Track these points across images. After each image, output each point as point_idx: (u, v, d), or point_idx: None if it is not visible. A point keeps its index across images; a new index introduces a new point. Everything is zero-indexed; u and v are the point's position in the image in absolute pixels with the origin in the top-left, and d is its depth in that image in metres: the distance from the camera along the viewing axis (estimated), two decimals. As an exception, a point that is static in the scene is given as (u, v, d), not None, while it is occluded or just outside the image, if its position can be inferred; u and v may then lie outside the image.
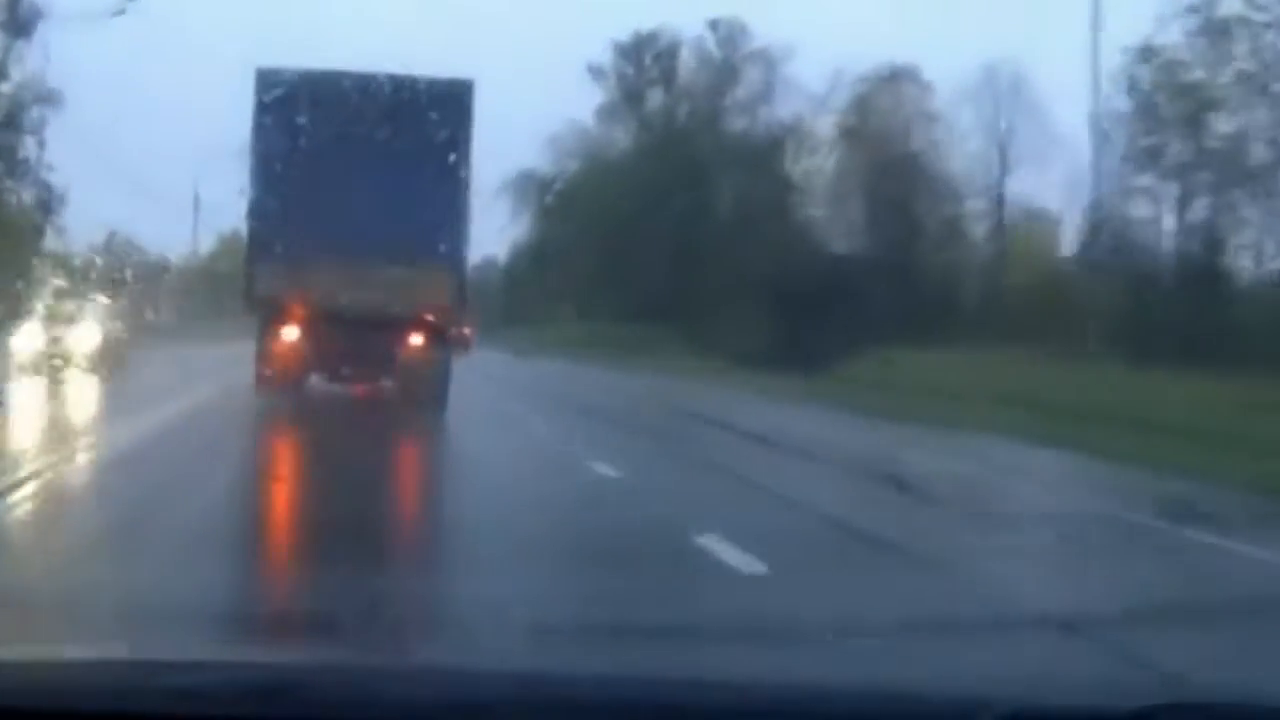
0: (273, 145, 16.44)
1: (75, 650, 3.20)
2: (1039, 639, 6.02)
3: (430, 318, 16.46)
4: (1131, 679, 4.39)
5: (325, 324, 16.00)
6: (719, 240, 42.06)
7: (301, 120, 16.33)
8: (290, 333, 16.17)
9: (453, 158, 16.63)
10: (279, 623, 5.52)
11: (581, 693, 2.65)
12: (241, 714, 2.45)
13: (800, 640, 5.51)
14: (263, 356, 16.34)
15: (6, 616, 4.95)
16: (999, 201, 43.01)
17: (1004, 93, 42.61)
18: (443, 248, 16.45)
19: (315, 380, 17.06)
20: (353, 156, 16.07)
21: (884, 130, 43.98)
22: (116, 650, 3.21)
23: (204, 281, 50.47)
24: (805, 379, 26.96)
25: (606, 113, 53.40)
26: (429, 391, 16.20)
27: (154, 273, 48.64)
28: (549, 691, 2.64)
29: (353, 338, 16.11)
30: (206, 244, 55.27)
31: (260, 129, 16.55)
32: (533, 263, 52.49)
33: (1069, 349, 28.62)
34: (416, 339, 16.34)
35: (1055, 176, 46.15)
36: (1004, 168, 42.94)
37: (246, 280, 16.93)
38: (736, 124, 49.57)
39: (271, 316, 16.54)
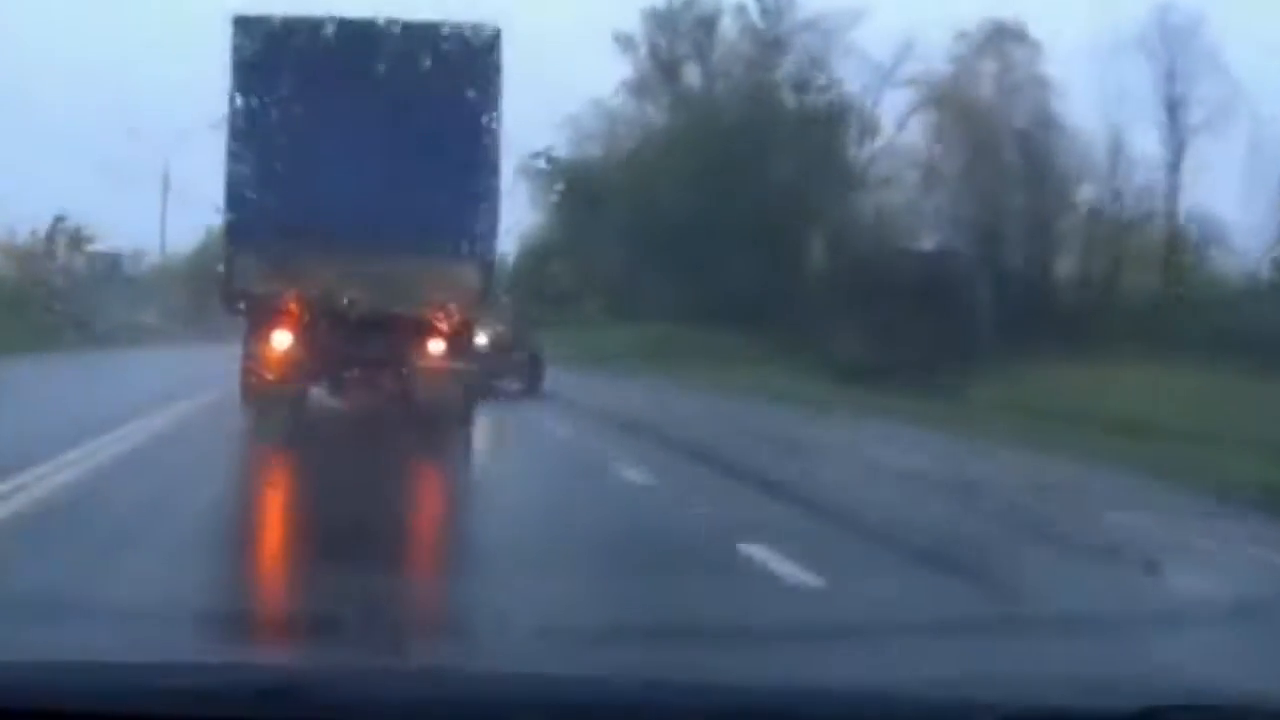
0: (255, 109, 14.27)
1: (76, 651, 3.30)
2: (1039, 639, 6.12)
3: (452, 319, 14.44)
4: (1132, 679, 3.99)
5: (324, 327, 14.12)
6: (787, 231, 38.40)
7: (290, 78, 14.22)
8: (282, 338, 14.16)
9: (478, 122, 14.46)
10: (282, 624, 5.58)
11: (582, 693, 2.76)
12: (245, 715, 2.52)
13: (801, 641, 5.65)
14: (249, 367, 14.40)
15: (7, 617, 5.09)
16: (1168, 191, 36.81)
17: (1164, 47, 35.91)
18: (466, 233, 14.27)
19: (315, 394, 15.28)
20: (354, 121, 13.97)
21: (981, 102, 39.43)
22: (118, 651, 3.40)
23: (190, 278, 47.58)
24: (940, 401, 23.31)
25: (635, 88, 50.49)
26: (452, 410, 14.42)
27: (105, 266, 45.69)
28: (550, 692, 2.75)
29: (358, 344, 14.28)
30: (192, 237, 52.29)
31: (239, 90, 14.35)
32: (546, 257, 49.32)
33: (1242, 367, 22.99)
34: (436, 345, 14.37)
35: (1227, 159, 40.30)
36: (1177, 147, 36.34)
37: (225, 273, 14.67)
38: (788, 100, 45.76)
39: (259, 319, 14.45)
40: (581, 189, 47.35)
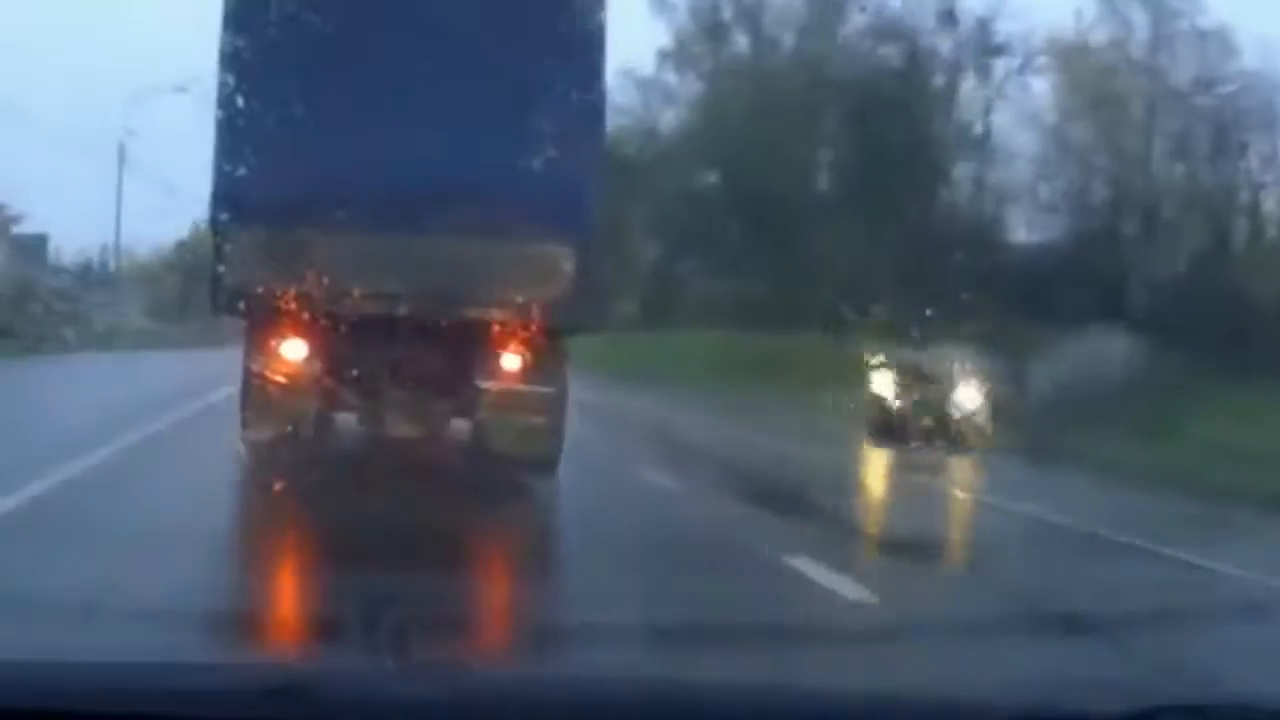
0: (254, 46, 10.76)
1: (78, 651, 3.61)
2: (1040, 640, 6.38)
3: (535, 323, 10.99)
4: (1131, 679, 4.49)
5: (353, 337, 10.84)
6: (878, 220, 34.74)
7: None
8: (295, 350, 10.97)
9: (572, 29, 10.96)
10: (285, 624, 5.81)
11: (582, 693, 2.89)
12: (251, 715, 2.61)
13: (802, 641, 5.88)
14: (250, 390, 11.12)
15: (7, 616, 5.25)
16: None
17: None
18: (555, 201, 10.64)
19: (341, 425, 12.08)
20: (393, 53, 10.69)
21: (1121, 62, 35.04)
22: (121, 651, 3.71)
23: (178, 275, 44.77)
24: (1143, 443, 17.65)
25: (674, 58, 47.30)
26: (531, 450, 11.13)
27: (33, 249, 42.43)
28: (551, 692, 2.89)
29: (400, 359, 11.18)
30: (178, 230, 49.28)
31: (233, 21, 10.94)
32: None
33: None
34: (510, 360, 11.09)
35: None
36: None
37: (216, 267, 11.27)
38: (855, 65, 42.12)
39: (264, 326, 11.16)
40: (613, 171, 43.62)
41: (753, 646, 5.65)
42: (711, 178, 42.95)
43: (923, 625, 6.50)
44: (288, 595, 7.62)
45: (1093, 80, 34.61)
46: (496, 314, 11.02)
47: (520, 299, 10.90)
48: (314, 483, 10.10)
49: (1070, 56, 35.33)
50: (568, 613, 6.55)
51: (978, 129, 38.48)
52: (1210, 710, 2.88)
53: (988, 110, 37.95)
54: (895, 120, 37.16)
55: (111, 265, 46.43)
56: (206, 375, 20.98)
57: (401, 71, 10.60)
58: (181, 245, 55.51)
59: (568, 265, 10.98)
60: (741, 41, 46.87)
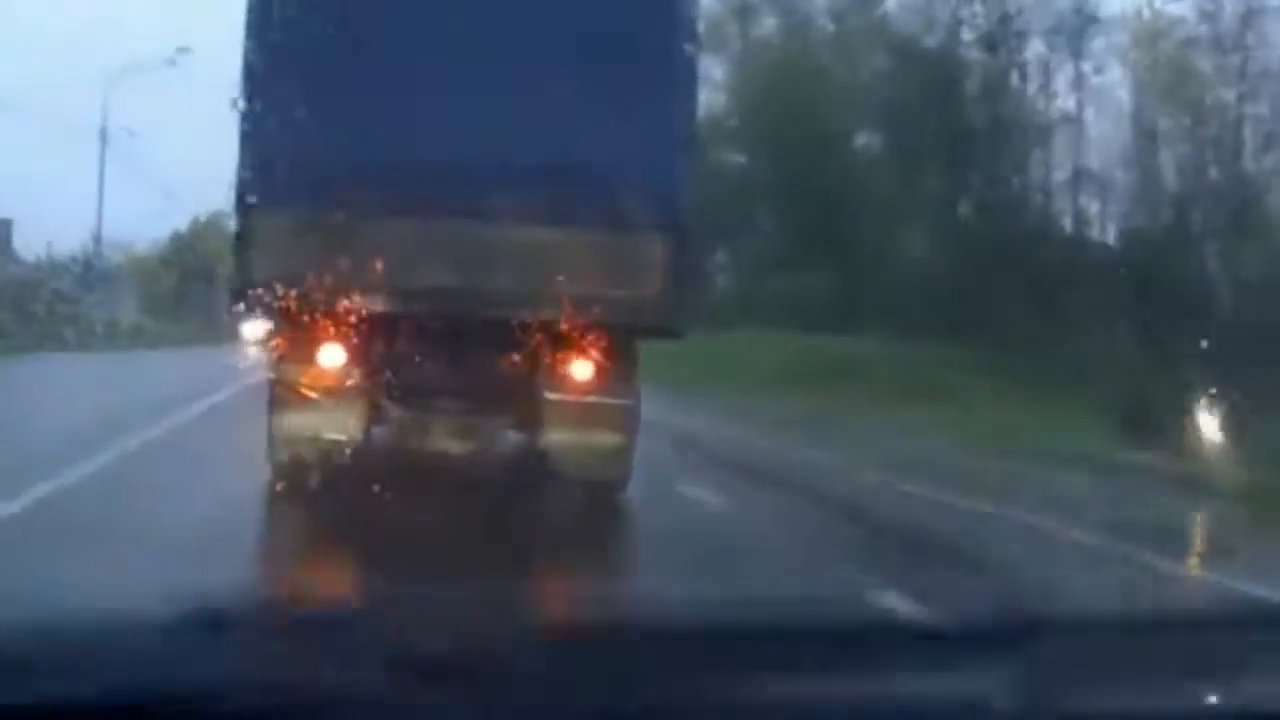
0: (287, 6, 9.26)
1: (79, 651, 3.26)
2: (1039, 639, 5.15)
3: (614, 326, 9.73)
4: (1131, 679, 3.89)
5: (399, 340, 9.82)
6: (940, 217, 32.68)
7: None
8: (332, 356, 9.73)
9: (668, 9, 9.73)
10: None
11: (580, 694, 2.83)
12: (247, 714, 2.58)
13: (800, 641, 4.76)
14: (277, 405, 9.88)
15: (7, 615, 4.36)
16: None
17: None
18: (641, 188, 9.33)
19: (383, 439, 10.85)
20: (456, 10, 9.37)
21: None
22: (121, 649, 3.29)
23: (175, 271, 43.71)
24: None
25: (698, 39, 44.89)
26: (602, 466, 10.06)
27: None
28: (551, 692, 2.81)
29: (453, 364, 10.06)
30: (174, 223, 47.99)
31: None
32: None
33: None
34: (582, 368, 9.89)
35: None
36: None
37: (239, 259, 9.84)
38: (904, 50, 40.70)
39: (295, 328, 9.71)
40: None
41: (752, 645, 5.17)
42: (748, 165, 41.76)
43: (924, 624, 6.09)
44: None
45: (1174, 61, 33.07)
46: (567, 314, 9.63)
47: (597, 297, 9.56)
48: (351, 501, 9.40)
49: (1149, 35, 33.76)
50: (570, 612, 6.21)
51: (1056, 110, 36.56)
52: (1210, 707, 2.88)
53: (1077, 89, 35.81)
54: (963, 102, 35.54)
55: (93, 254, 45.07)
56: (206, 375, 21.70)
57: (461, 30, 9.36)
58: (178, 238, 54.41)
59: (656, 258, 9.66)
60: (769, 24, 46.29)
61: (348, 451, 9.89)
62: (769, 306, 34.72)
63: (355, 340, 9.81)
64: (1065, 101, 36.56)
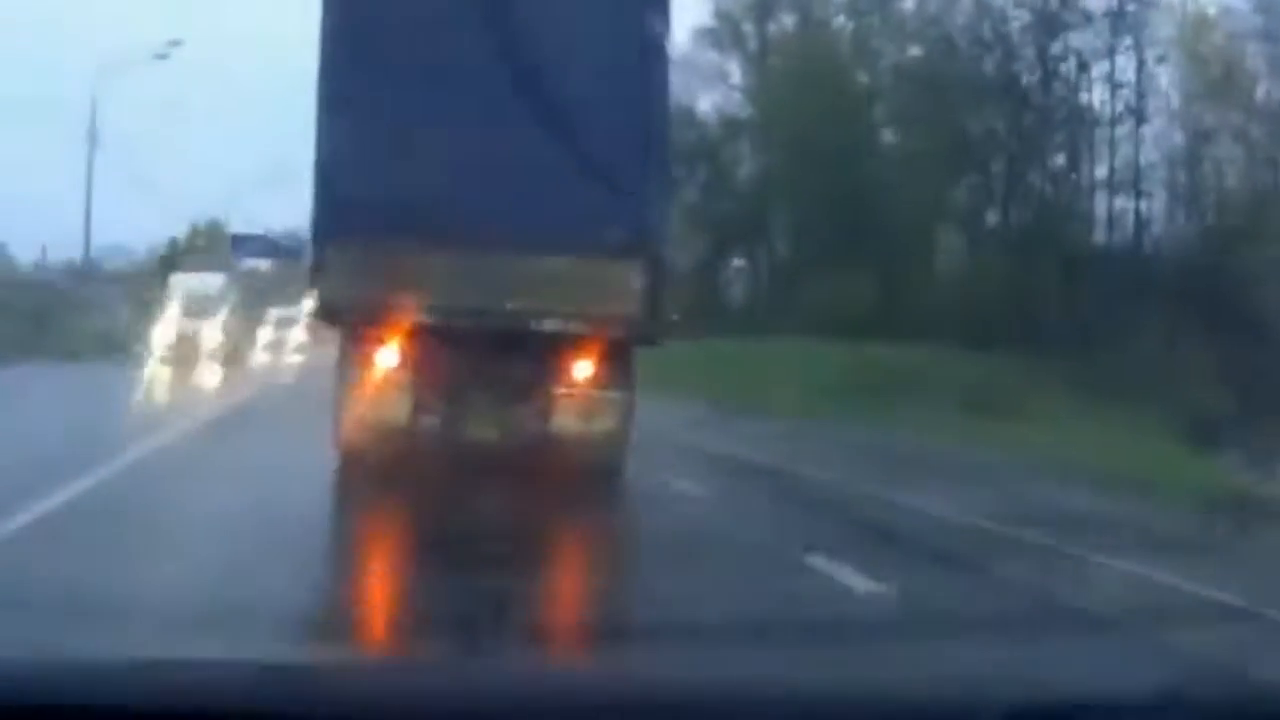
0: (353, 68, 12.41)
1: (79, 650, 3.97)
2: (1039, 639, 6.50)
3: (605, 336, 12.63)
4: (1133, 677, 4.54)
5: (443, 346, 12.49)
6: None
7: (399, 25, 12.38)
8: (387, 358, 12.51)
9: (642, 77, 12.73)
10: (287, 621, 6.05)
11: (580, 693, 2.97)
12: (244, 711, 2.71)
13: (802, 640, 6.06)
14: (345, 399, 12.59)
15: (7, 616, 5.58)
16: None
17: None
18: (625, 222, 12.26)
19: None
20: (483, 81, 12.21)
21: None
22: (120, 649, 4.22)
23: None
24: None
25: (714, 36, 45.67)
26: (601, 448, 12.68)
27: None
28: (549, 691, 2.97)
29: (484, 367, 12.60)
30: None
31: (332, 41, 12.55)
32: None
33: None
34: (583, 368, 12.66)
35: None
36: None
37: (314, 280, 12.87)
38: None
39: (359, 336, 12.73)
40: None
41: (753, 645, 5.91)
42: (768, 164, 41.63)
43: (924, 623, 6.79)
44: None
45: (1219, 56, 32.85)
46: (570, 326, 12.42)
47: (591, 312, 12.35)
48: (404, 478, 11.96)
49: (1194, 29, 33.54)
50: (571, 611, 6.89)
51: (1096, 107, 36.12)
52: (1208, 709, 2.92)
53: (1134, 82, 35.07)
54: (1001, 102, 35.35)
55: (84, 259, 44.43)
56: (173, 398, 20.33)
57: (485, 108, 12.03)
58: (174, 244, 54.13)
59: (635, 283, 12.32)
60: (787, 20, 45.86)
61: (399, 436, 12.33)
62: (805, 312, 34.33)
63: (405, 346, 12.39)
64: (1103, 98, 36.10)
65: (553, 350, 12.52)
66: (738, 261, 45.80)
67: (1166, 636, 6.88)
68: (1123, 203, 34.31)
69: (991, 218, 35.94)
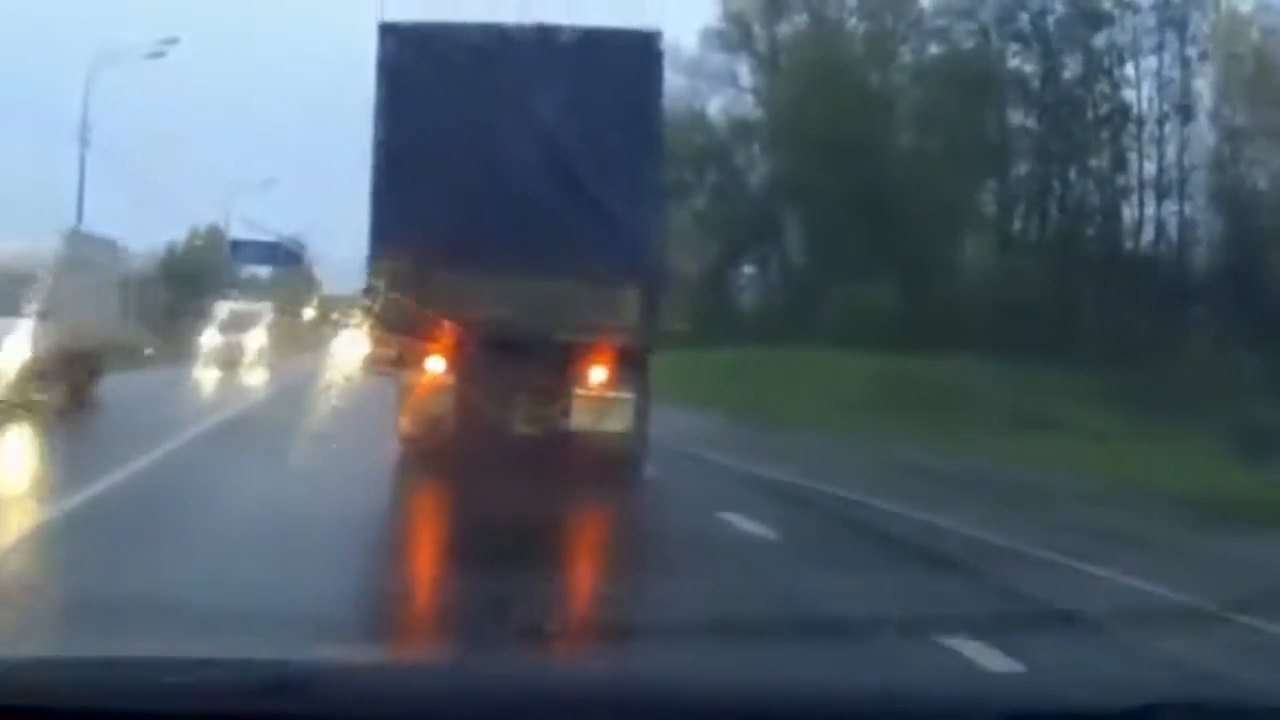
0: (403, 122, 14.96)
1: (78, 649, 4.05)
2: (1039, 639, 6.51)
3: (613, 345, 14.90)
4: (1130, 678, 4.55)
5: (479, 355, 14.80)
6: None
7: (440, 87, 14.96)
8: (436, 364, 15.04)
9: (638, 133, 15.28)
10: (285, 621, 5.97)
11: (579, 693, 3.03)
12: (246, 711, 2.78)
13: (801, 640, 6.08)
14: (403, 402, 15.27)
15: (7, 616, 5.68)
16: None
17: None
18: (625, 253, 14.75)
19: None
20: (508, 134, 14.73)
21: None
22: (121, 648, 3.89)
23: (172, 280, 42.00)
24: None
25: (723, 37, 44.25)
26: (618, 443, 14.83)
27: None
28: (549, 691, 3.04)
29: (515, 373, 14.78)
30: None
31: (386, 100, 14.99)
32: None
33: None
34: (597, 373, 14.92)
35: None
36: None
37: (372, 299, 15.32)
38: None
39: (411, 346, 15.25)
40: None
41: (750, 643, 5.91)
42: (779, 168, 40.42)
43: (923, 622, 6.76)
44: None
45: (1254, 54, 31.58)
46: (584, 337, 14.72)
47: (599, 326, 14.63)
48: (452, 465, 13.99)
49: (1229, 26, 32.26)
50: (571, 610, 6.88)
51: (1125, 107, 34.83)
52: (1206, 706, 2.95)
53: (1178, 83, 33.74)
54: (1038, 99, 34.04)
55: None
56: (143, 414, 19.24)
57: (510, 161, 14.41)
58: (172, 248, 52.87)
59: (635, 301, 14.74)
60: (798, 20, 44.57)
61: (447, 428, 14.64)
62: (823, 320, 33.43)
63: (451, 354, 14.75)
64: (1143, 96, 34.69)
65: (571, 358, 14.70)
66: (748, 268, 44.50)
67: (1161, 641, 6.88)
68: (1156, 205, 33.13)
69: (1021, 222, 34.50)
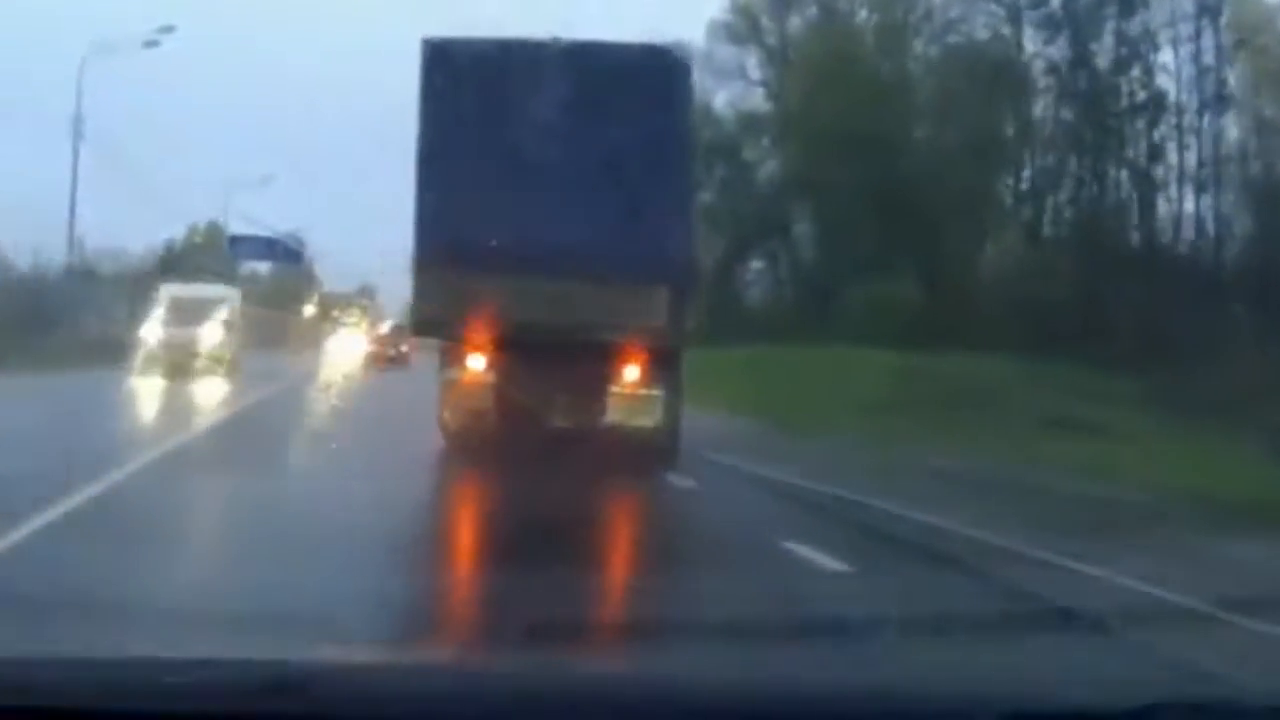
0: (446, 134, 15.70)
1: (78, 649, 3.90)
2: (1039, 639, 6.40)
3: (644, 345, 15.55)
4: (1130, 678, 4.54)
5: (516, 353, 15.60)
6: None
7: (480, 100, 15.69)
8: (477, 362, 15.83)
9: (670, 144, 16.00)
10: (285, 621, 5.88)
11: (580, 693, 3.04)
12: (246, 711, 2.80)
13: (801, 640, 5.99)
14: (446, 397, 16.09)
15: (7, 616, 5.47)
16: None
17: None
18: (656, 258, 15.43)
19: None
20: (545, 144, 15.39)
21: None
22: (121, 648, 4.03)
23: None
24: None
25: (728, 32, 43.57)
26: (651, 437, 15.51)
27: None
28: (549, 691, 3.02)
29: (551, 370, 15.55)
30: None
31: (428, 112, 15.73)
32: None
33: None
34: (630, 371, 15.62)
35: None
36: None
37: (416, 300, 16.42)
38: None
39: (452, 344, 16.28)
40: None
41: (751, 643, 5.85)
42: (791, 162, 39.66)
43: (923, 622, 6.68)
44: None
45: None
46: (618, 337, 15.44)
47: (630, 326, 15.30)
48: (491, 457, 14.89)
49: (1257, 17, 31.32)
50: (570, 610, 6.64)
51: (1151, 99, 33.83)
52: (1206, 707, 2.98)
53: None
54: (1069, 87, 33.03)
55: (72, 261, 41.76)
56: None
57: (549, 171, 15.13)
58: (170, 245, 51.93)
59: (666, 302, 15.39)
60: (808, 13, 43.82)
61: (487, 422, 15.56)
62: (837, 316, 32.64)
63: (491, 353, 15.53)
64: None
65: (605, 357, 15.51)
66: (756, 263, 43.58)
67: (1160, 640, 6.83)
68: (1196, 199, 32.11)
69: (1050, 214, 33.48)
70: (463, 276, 15.16)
